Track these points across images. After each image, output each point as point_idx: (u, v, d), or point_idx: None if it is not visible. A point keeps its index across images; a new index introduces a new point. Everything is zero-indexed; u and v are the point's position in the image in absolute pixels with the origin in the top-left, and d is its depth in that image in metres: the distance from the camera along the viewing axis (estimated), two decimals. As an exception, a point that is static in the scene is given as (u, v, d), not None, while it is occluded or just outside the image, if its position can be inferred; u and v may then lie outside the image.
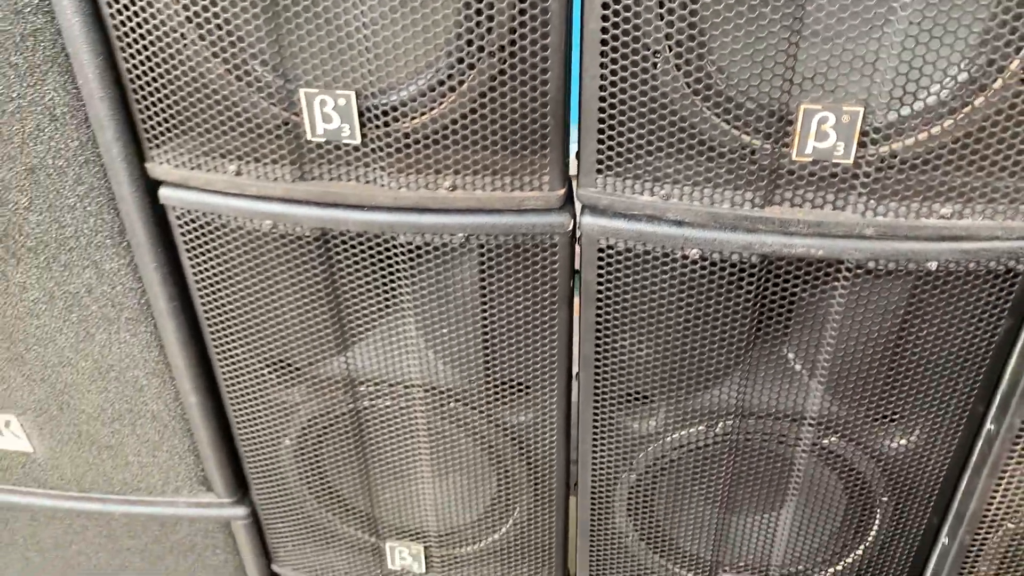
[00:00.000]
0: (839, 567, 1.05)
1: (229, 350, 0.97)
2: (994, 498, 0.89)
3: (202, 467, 1.09)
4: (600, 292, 0.84)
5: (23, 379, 1.02)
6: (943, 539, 0.97)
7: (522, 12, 0.68)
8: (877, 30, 0.66)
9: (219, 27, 0.74)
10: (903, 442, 0.92)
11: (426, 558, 1.13)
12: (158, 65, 0.77)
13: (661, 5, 0.67)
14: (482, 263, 0.84)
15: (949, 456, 0.91)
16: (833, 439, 0.92)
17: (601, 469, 1.00)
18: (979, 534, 0.93)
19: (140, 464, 1.09)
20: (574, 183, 0.80)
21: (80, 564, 1.24)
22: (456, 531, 1.12)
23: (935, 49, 0.65)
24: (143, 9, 0.74)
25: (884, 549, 1.02)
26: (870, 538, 1.01)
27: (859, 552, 1.03)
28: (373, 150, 0.79)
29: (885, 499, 0.97)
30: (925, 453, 0.92)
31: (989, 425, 0.86)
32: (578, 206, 0.81)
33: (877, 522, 0.99)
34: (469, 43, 0.71)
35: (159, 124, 0.81)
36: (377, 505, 1.11)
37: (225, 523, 1.15)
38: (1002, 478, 0.87)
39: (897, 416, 0.91)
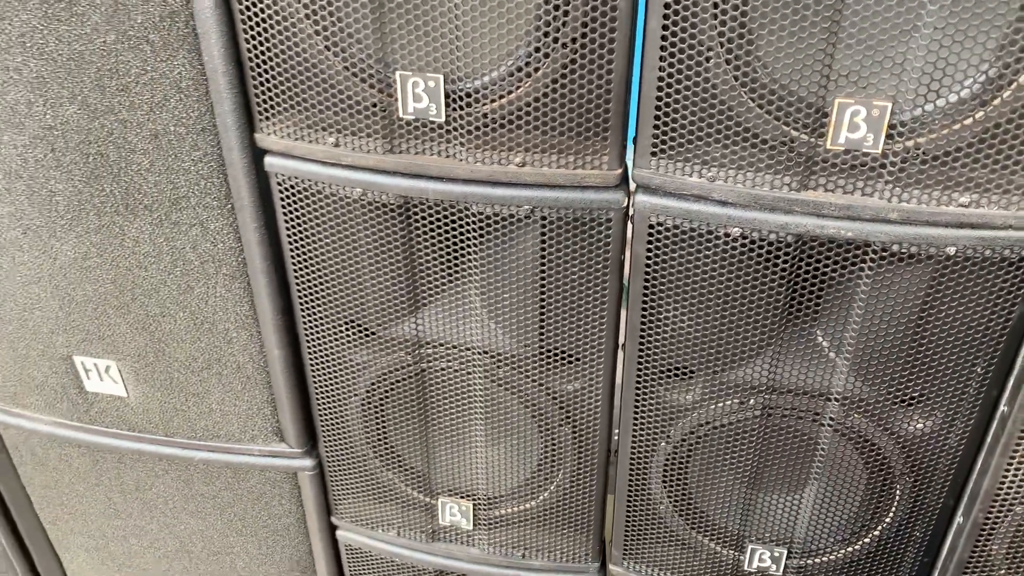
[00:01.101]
0: (860, 544, 1.12)
1: (312, 308, 1.08)
2: (1006, 477, 0.96)
3: (277, 418, 1.20)
4: (648, 266, 0.94)
5: (127, 327, 1.14)
6: (958, 518, 1.04)
7: (594, 8, 0.79)
8: (906, 34, 0.75)
9: (330, 16, 0.86)
10: (923, 425, 1.00)
11: (474, 516, 1.23)
12: (274, 47, 0.89)
13: (715, 7, 0.77)
14: (543, 235, 0.95)
15: (965, 438, 0.99)
16: (857, 418, 1.00)
17: (640, 438, 1.09)
18: (991, 513, 1.00)
19: (222, 412, 1.20)
20: (630, 164, 0.90)
21: (157, 507, 1.36)
22: (503, 492, 1.21)
23: (957, 53, 0.74)
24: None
25: (903, 527, 1.08)
26: (890, 516, 1.08)
27: (880, 530, 1.10)
28: (455, 128, 0.90)
29: (905, 479, 1.04)
30: (943, 435, 1.00)
31: (1003, 407, 0.94)
32: (632, 186, 0.91)
33: (897, 501, 1.07)
34: (545, 34, 0.82)
35: (270, 99, 0.93)
36: (432, 464, 1.21)
37: (292, 474, 1.26)
38: (1013, 457, 0.95)
39: (918, 399, 0.98)
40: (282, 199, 1.00)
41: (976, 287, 0.87)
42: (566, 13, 0.80)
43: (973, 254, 0.84)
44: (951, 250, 0.84)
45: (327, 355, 1.13)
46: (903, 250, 0.85)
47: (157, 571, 1.46)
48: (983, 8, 0.72)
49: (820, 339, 0.96)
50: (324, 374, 1.15)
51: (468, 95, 0.87)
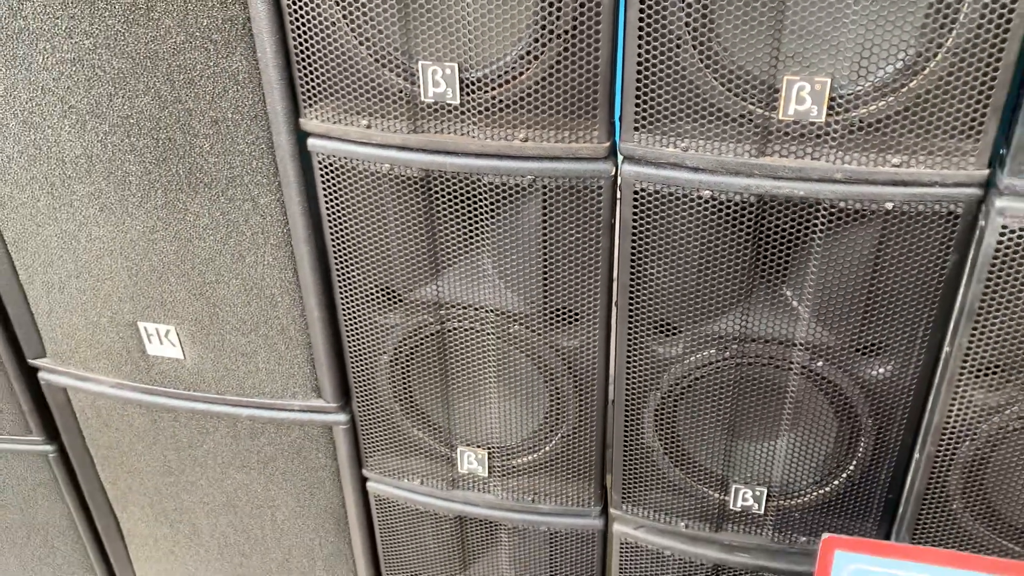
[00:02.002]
0: (834, 484, 1.25)
1: (347, 274, 1.25)
2: (951, 412, 1.10)
3: (316, 376, 1.36)
4: (635, 228, 1.09)
5: (186, 293, 1.31)
6: (916, 455, 1.17)
7: (582, 4, 0.95)
8: (839, 20, 0.90)
9: (363, 16, 1.03)
10: (883, 370, 1.14)
11: (489, 465, 1.38)
12: (316, 44, 1.07)
13: (683, 0, 0.93)
14: (544, 202, 1.10)
15: (916, 379, 1.12)
16: (821, 364, 1.14)
17: (633, 389, 1.24)
18: (942, 447, 1.13)
19: (267, 371, 1.37)
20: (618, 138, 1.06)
21: (207, 463, 1.52)
22: (515, 442, 1.36)
23: (881, 36, 0.90)
24: (310, 4, 1.04)
25: (870, 467, 1.22)
26: (858, 457, 1.21)
27: (849, 470, 1.23)
28: (468, 109, 1.06)
29: (869, 421, 1.18)
30: (900, 379, 1.13)
31: (946, 348, 1.08)
32: (620, 157, 1.07)
33: (863, 442, 1.20)
34: (543, 27, 0.98)
35: (313, 88, 1.10)
36: (451, 416, 1.36)
37: (328, 428, 1.42)
38: (956, 392, 1.08)
39: (876, 346, 1.12)
40: (322, 176, 1.16)
41: (915, 240, 1.01)
42: (559, 8, 0.96)
43: (908, 209, 0.99)
44: (889, 205, 0.98)
45: (360, 317, 1.29)
46: (849, 207, 1.00)
47: (205, 526, 1.62)
48: (901, -2, 0.88)
49: (786, 291, 1.11)
50: (357, 334, 1.31)
51: (479, 81, 1.04)
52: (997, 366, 1.06)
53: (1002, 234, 0.96)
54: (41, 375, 1.51)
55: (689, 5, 0.93)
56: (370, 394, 1.37)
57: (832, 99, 0.95)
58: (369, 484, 1.48)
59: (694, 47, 0.96)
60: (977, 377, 1.07)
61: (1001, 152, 0.95)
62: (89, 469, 1.62)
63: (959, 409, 1.10)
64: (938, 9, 0.87)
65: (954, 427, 1.11)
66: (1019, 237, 0.96)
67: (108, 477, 1.63)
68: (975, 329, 1.03)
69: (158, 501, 1.62)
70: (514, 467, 1.38)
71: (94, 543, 1.74)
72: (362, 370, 1.34)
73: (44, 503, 1.67)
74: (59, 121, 1.19)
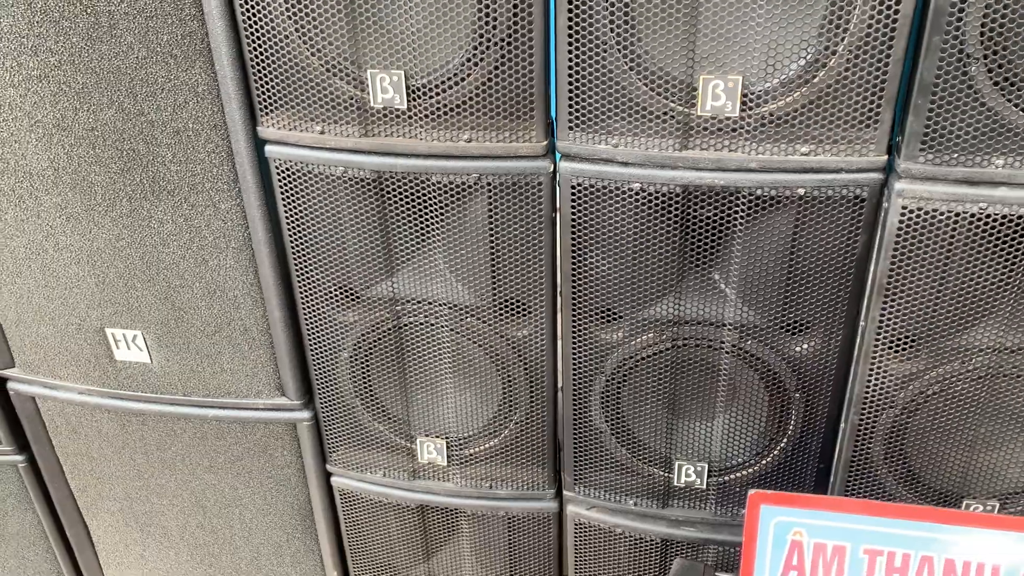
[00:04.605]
0: (770, 456, 1.34)
1: (306, 274, 1.32)
2: (870, 382, 1.19)
3: (279, 374, 1.42)
4: (574, 221, 1.17)
5: (152, 299, 1.37)
6: (842, 424, 1.26)
7: (515, 15, 1.04)
8: (746, 24, 1.00)
9: (314, 28, 1.10)
10: (807, 346, 1.23)
11: (448, 454, 1.44)
12: (271, 55, 1.14)
13: (612, 6, 1.02)
14: (490, 200, 1.18)
15: (838, 354, 1.21)
16: (751, 343, 1.23)
17: (579, 373, 1.32)
18: (864, 415, 1.22)
19: (232, 371, 1.43)
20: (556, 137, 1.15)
21: (175, 465, 1.57)
22: (471, 432, 1.43)
23: (785, 38, 0.99)
24: (264, 18, 1.11)
25: (801, 438, 1.31)
26: (789, 429, 1.30)
27: (783, 442, 1.32)
28: (415, 113, 1.14)
29: (798, 396, 1.27)
30: (823, 354, 1.23)
31: (862, 322, 1.17)
32: (557, 155, 1.15)
33: (793, 415, 1.29)
34: (481, 36, 1.06)
35: (269, 98, 1.18)
36: (410, 409, 1.43)
37: (292, 425, 1.48)
38: (874, 363, 1.17)
39: (800, 324, 1.21)
40: (279, 180, 1.23)
41: (827, 222, 1.11)
42: (495, 19, 1.05)
43: (819, 194, 1.08)
44: (801, 191, 1.08)
45: (319, 315, 1.35)
46: (765, 194, 1.09)
47: (175, 528, 1.66)
48: (801, 3, 0.98)
49: (714, 275, 1.20)
50: (317, 332, 1.37)
51: (425, 87, 1.12)
52: (908, 337, 1.16)
53: (902, 214, 1.06)
54: (10, 385, 1.55)
55: (612, 12, 1.02)
56: (332, 391, 1.43)
57: (744, 95, 1.04)
58: (333, 479, 1.54)
59: (619, 51, 1.05)
60: (891, 348, 1.17)
61: (897, 140, 1.05)
62: (59, 478, 1.66)
63: (877, 379, 1.19)
64: (833, 11, 0.97)
65: (874, 397, 1.20)
66: (918, 216, 1.05)
67: (78, 485, 1.67)
68: (885, 303, 1.13)
69: (128, 506, 1.66)
70: (471, 455, 1.45)
71: (65, 552, 1.77)
72: (323, 367, 1.41)
73: (14, 513, 1.70)
74: (26, 135, 1.25)
